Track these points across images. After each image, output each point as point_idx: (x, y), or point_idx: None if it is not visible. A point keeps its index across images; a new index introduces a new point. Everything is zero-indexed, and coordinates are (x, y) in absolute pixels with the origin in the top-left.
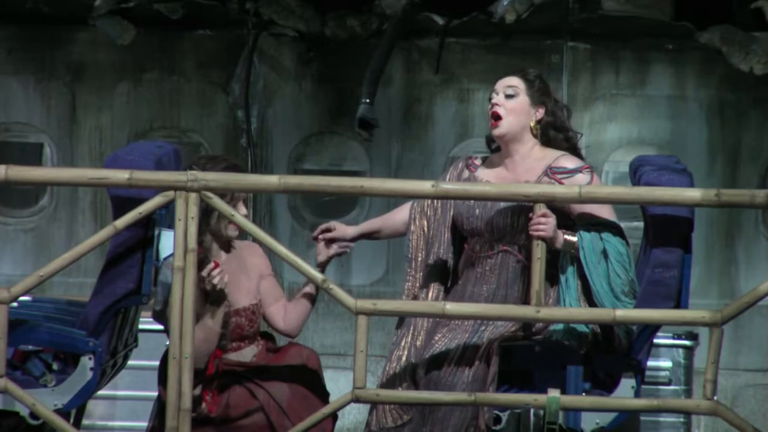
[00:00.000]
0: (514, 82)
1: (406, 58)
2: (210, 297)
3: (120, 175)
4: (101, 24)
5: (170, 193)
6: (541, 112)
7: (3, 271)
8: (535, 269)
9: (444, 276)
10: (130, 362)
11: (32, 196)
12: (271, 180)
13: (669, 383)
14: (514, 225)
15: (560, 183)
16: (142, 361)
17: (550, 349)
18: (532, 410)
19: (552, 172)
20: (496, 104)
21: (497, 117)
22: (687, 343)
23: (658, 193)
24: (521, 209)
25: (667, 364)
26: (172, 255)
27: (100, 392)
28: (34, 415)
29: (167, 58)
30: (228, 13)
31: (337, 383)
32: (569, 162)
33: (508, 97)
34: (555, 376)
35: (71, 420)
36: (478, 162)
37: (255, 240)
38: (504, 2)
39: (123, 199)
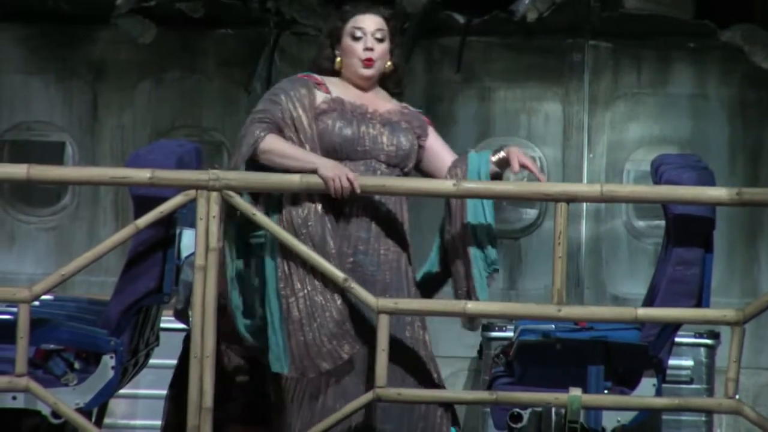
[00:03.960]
0: (383, 25)
1: (428, 57)
2: None
3: (141, 174)
4: (122, 23)
5: (192, 192)
6: (390, 62)
7: (25, 269)
8: (556, 267)
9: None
10: (151, 361)
11: (54, 195)
12: (293, 179)
13: (690, 382)
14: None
15: (425, 119)
16: (164, 359)
17: (571, 347)
18: (553, 409)
19: (408, 108)
20: (371, 49)
21: (371, 60)
22: (708, 341)
23: (680, 192)
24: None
25: (688, 362)
26: (193, 254)
27: (122, 391)
28: (55, 414)
29: (189, 57)
30: (249, 12)
31: None
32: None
33: (378, 41)
34: (576, 375)
35: (93, 419)
36: (324, 81)
37: (275, 238)
38: (525, 0)
39: (144, 198)
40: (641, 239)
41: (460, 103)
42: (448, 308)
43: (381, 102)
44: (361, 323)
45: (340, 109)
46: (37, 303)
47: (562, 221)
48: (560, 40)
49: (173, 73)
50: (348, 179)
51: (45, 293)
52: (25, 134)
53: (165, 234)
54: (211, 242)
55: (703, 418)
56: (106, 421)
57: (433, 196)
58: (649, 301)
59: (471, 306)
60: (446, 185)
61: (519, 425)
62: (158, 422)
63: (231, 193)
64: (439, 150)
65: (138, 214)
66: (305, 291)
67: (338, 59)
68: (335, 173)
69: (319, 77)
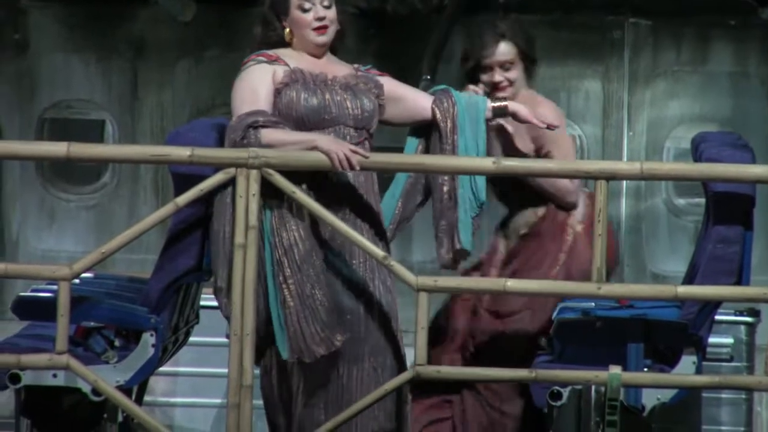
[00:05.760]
0: None
1: (467, 34)
2: None
3: (181, 152)
4: (162, 1)
5: (231, 170)
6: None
7: (65, 247)
8: (596, 246)
9: None
10: (191, 339)
11: (94, 172)
12: None
13: (730, 360)
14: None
15: (373, 72)
16: (204, 337)
17: (611, 325)
18: (593, 387)
19: (360, 69)
20: (322, 18)
21: (324, 28)
22: (749, 319)
23: (720, 170)
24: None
25: (728, 340)
26: None
27: (162, 369)
28: (96, 392)
29: (228, 35)
30: None
31: None
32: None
33: (326, 8)
34: (616, 353)
35: (133, 397)
36: (278, 55)
37: (314, 216)
38: None
39: (184, 176)
40: (681, 217)
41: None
42: (487, 285)
43: (336, 67)
44: (342, 313)
45: (301, 80)
46: (77, 281)
47: (602, 199)
48: (600, 18)
49: (213, 51)
50: (351, 150)
51: (85, 271)
52: (65, 112)
53: (205, 212)
54: (251, 220)
55: (744, 396)
56: (146, 398)
57: (472, 173)
58: (690, 279)
59: (511, 283)
60: (486, 163)
61: (559, 403)
62: (198, 400)
63: (270, 171)
64: (403, 93)
65: (178, 192)
66: (295, 278)
67: (287, 31)
68: (336, 146)
69: (271, 53)
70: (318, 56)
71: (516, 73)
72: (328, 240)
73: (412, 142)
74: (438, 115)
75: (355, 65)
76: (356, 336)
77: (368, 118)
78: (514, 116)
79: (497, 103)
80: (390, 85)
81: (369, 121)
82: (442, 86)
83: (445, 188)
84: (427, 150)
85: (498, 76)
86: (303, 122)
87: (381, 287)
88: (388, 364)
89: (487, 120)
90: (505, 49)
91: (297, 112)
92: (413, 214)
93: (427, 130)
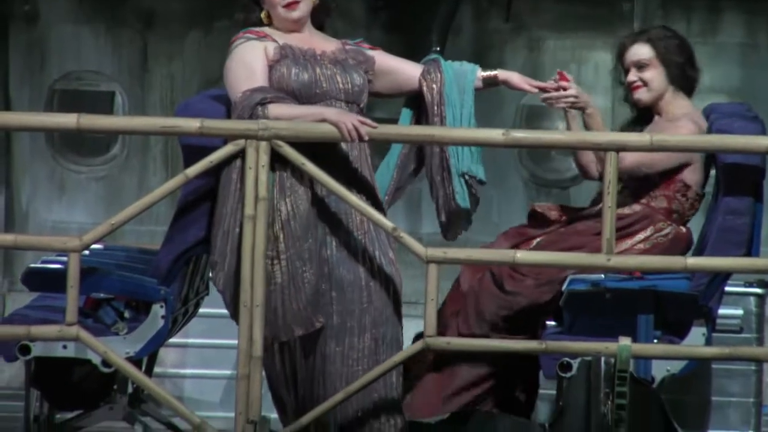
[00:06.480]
0: None
1: (476, 7)
2: None
3: (191, 124)
4: None
5: (241, 142)
6: None
7: (75, 219)
8: (606, 217)
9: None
10: (201, 310)
11: (104, 144)
12: None
13: (740, 331)
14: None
15: (363, 46)
16: (214, 309)
17: (620, 296)
18: (602, 358)
19: (348, 44)
20: None
21: (295, 3)
22: (758, 291)
23: (730, 141)
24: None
25: (738, 311)
26: None
27: (172, 340)
28: (106, 363)
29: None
30: None
31: (407, 332)
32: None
33: None
34: (626, 324)
35: (143, 368)
36: (266, 32)
37: (326, 189)
38: None
39: (194, 148)
40: None
41: (509, 53)
42: (496, 257)
43: (323, 43)
44: (341, 288)
45: (291, 55)
46: (87, 252)
47: (612, 171)
48: None
49: (223, 23)
50: (360, 121)
51: (95, 242)
52: (74, 84)
53: (215, 184)
54: (261, 192)
55: (753, 367)
56: (156, 370)
57: (481, 145)
58: (699, 251)
59: (520, 255)
60: (495, 134)
61: (568, 374)
62: (208, 371)
63: (280, 142)
64: (394, 65)
65: (188, 163)
66: (288, 254)
67: (263, 13)
68: (345, 117)
69: (259, 30)
70: (299, 31)
71: (652, 75)
72: (329, 213)
73: (407, 113)
74: (425, 86)
75: (343, 40)
76: (357, 308)
77: (358, 92)
78: (507, 84)
79: (486, 72)
80: (381, 58)
81: (359, 96)
82: (433, 56)
83: (435, 160)
84: (419, 121)
85: (632, 76)
86: (295, 97)
87: (382, 259)
88: (388, 337)
89: (478, 89)
90: (639, 50)
91: (288, 87)
92: (408, 182)
93: (420, 101)
